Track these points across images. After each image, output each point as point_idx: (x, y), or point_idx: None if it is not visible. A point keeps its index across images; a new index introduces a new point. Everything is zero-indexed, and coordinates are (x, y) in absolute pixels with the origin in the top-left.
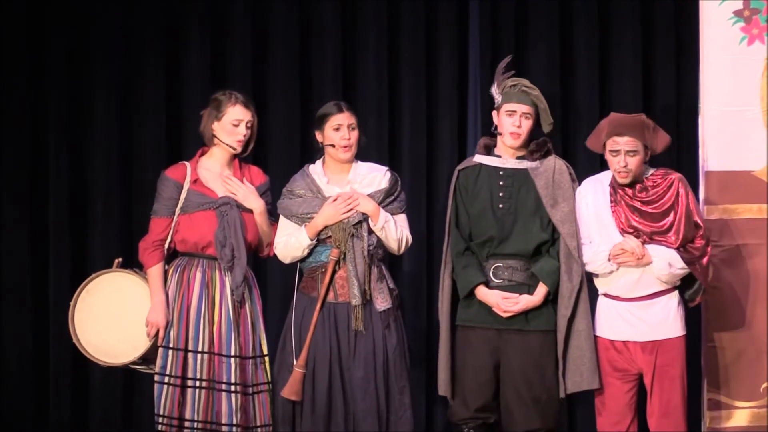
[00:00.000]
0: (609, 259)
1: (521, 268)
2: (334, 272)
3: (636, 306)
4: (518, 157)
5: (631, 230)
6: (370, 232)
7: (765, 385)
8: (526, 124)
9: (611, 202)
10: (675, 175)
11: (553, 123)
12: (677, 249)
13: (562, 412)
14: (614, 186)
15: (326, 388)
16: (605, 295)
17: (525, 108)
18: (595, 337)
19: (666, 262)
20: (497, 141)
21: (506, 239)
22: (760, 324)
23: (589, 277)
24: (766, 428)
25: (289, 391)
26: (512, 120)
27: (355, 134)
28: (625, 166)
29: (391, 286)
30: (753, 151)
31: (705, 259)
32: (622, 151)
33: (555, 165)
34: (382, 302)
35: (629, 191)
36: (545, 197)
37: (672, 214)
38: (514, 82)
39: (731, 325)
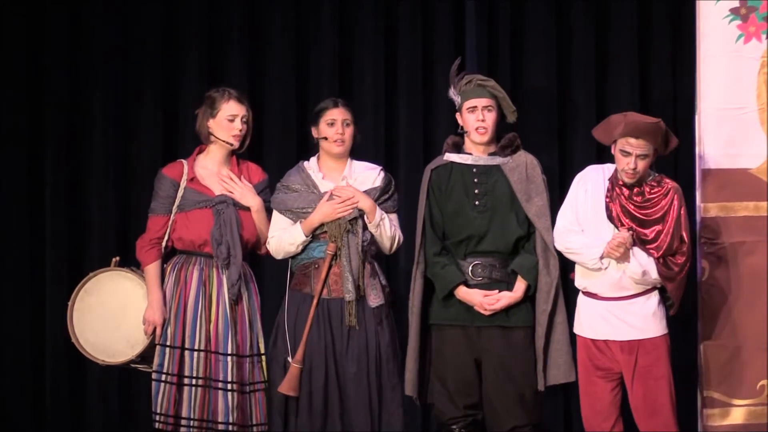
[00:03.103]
0: (602, 257)
1: (499, 265)
2: (330, 267)
3: (615, 305)
4: (489, 154)
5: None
6: (365, 228)
7: (763, 382)
8: (490, 117)
9: (606, 197)
10: (672, 185)
11: (516, 110)
12: (657, 260)
13: (559, 411)
14: (613, 182)
15: (323, 383)
16: (584, 292)
17: (485, 101)
18: (576, 335)
19: (641, 269)
20: (465, 141)
21: (484, 237)
22: (758, 321)
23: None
24: (765, 426)
25: (287, 387)
26: (475, 115)
27: (349, 130)
28: (634, 169)
29: (383, 282)
30: (750, 149)
31: (681, 276)
32: (634, 154)
33: (526, 160)
34: (375, 299)
35: (626, 191)
36: (519, 192)
37: (660, 224)
38: (468, 79)
39: (728, 322)
